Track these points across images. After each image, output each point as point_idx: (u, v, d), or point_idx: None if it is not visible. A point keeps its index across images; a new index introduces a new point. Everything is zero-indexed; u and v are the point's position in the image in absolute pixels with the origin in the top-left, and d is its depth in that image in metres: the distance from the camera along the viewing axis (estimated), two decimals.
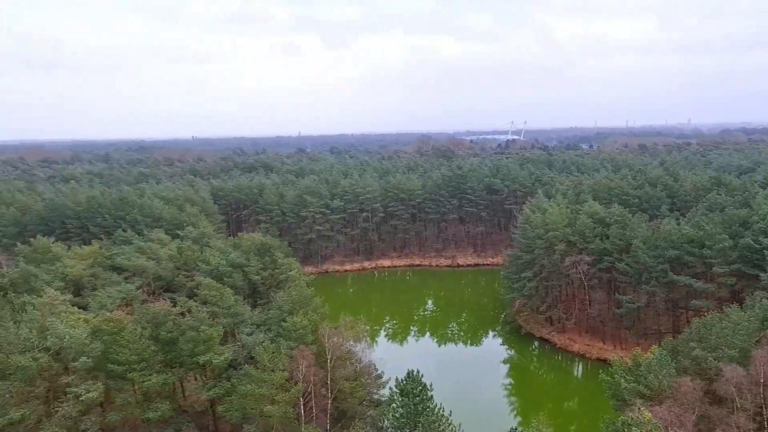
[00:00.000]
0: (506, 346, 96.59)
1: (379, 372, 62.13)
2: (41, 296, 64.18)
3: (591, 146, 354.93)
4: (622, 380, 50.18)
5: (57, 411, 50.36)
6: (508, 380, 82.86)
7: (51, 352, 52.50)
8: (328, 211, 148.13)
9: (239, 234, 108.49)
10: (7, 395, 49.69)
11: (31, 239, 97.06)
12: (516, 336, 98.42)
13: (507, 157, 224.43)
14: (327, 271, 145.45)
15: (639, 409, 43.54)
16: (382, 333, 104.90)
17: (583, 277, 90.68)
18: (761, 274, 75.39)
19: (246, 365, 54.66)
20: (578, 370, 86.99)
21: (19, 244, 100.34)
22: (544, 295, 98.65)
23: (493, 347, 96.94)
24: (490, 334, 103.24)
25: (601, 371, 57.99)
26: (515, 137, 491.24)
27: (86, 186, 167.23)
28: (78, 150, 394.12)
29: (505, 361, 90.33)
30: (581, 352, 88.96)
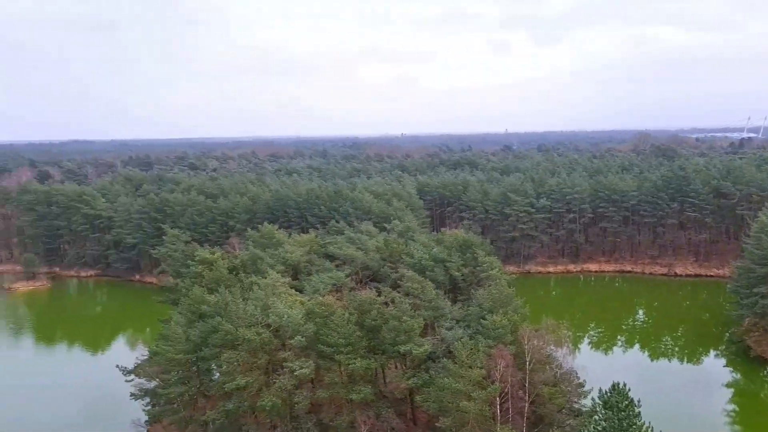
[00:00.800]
0: (731, 369, 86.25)
1: (580, 380, 59.08)
2: (266, 277, 71.13)
3: None
4: None
5: (275, 382, 55.49)
6: (732, 407, 73.79)
7: (272, 328, 57.96)
8: (533, 210, 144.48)
9: (442, 230, 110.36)
10: (235, 363, 55.86)
11: (259, 226, 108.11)
12: (743, 358, 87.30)
13: (741, 157, 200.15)
14: (529, 272, 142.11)
15: None
16: (586, 340, 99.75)
17: None
18: None
19: (444, 359, 55.27)
20: None
21: (249, 229, 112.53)
22: None
23: (714, 368, 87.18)
24: (711, 353, 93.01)
25: None
26: (752, 135, 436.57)
27: (306, 179, 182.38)
28: (300, 146, 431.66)
29: (728, 385, 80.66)
30: None
